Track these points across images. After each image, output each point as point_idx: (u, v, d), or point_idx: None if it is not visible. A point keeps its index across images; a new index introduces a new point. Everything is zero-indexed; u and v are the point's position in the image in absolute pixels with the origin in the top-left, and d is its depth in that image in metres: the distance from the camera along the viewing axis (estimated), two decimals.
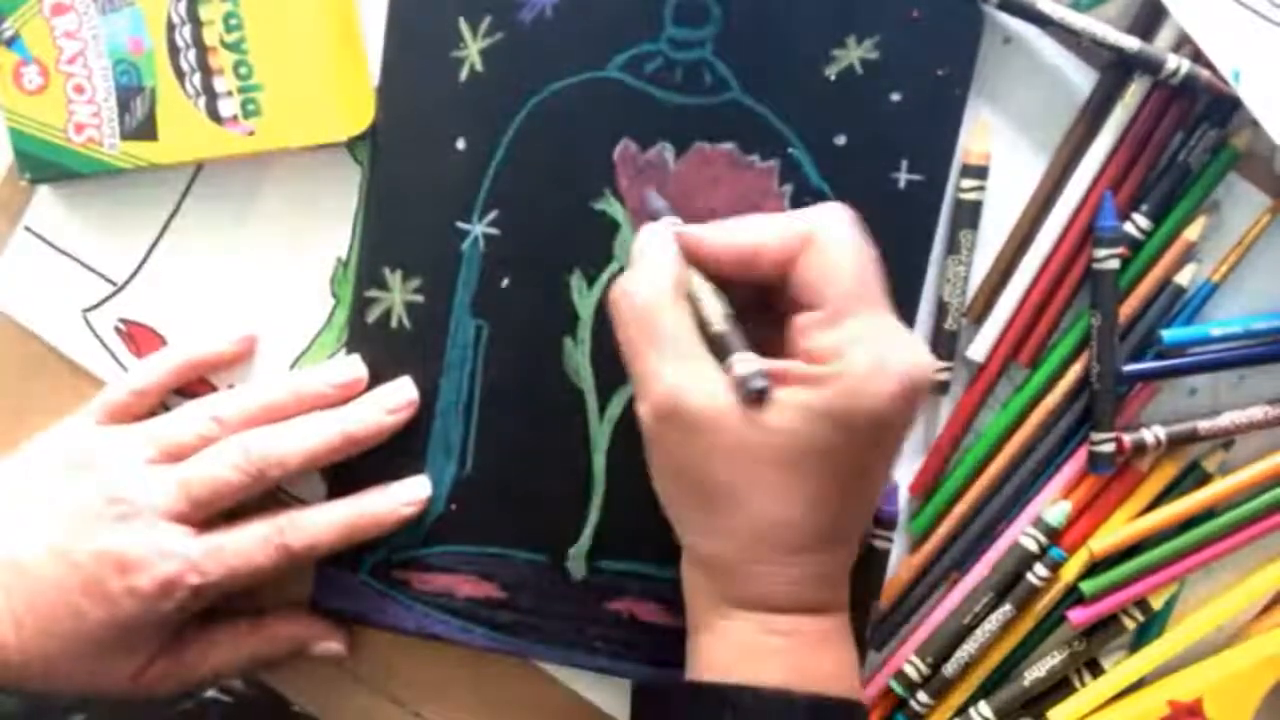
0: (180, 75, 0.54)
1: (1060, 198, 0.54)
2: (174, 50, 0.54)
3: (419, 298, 0.55)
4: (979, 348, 0.55)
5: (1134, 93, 0.53)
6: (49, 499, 0.52)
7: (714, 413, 0.46)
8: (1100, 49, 0.53)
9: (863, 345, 0.45)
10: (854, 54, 0.53)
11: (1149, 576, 0.56)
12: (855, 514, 0.49)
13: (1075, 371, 0.55)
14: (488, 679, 0.59)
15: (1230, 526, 0.56)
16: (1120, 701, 0.57)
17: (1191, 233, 0.54)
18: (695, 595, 0.50)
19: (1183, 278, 0.55)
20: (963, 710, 0.58)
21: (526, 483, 0.56)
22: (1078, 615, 0.56)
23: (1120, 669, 0.57)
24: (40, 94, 0.54)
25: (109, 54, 0.54)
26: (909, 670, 0.57)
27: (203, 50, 0.54)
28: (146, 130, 0.54)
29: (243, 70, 0.54)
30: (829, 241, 0.47)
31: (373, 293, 0.55)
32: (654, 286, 0.48)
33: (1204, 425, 0.55)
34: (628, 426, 0.54)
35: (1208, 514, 0.56)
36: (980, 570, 0.57)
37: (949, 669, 0.57)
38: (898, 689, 0.57)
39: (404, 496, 0.55)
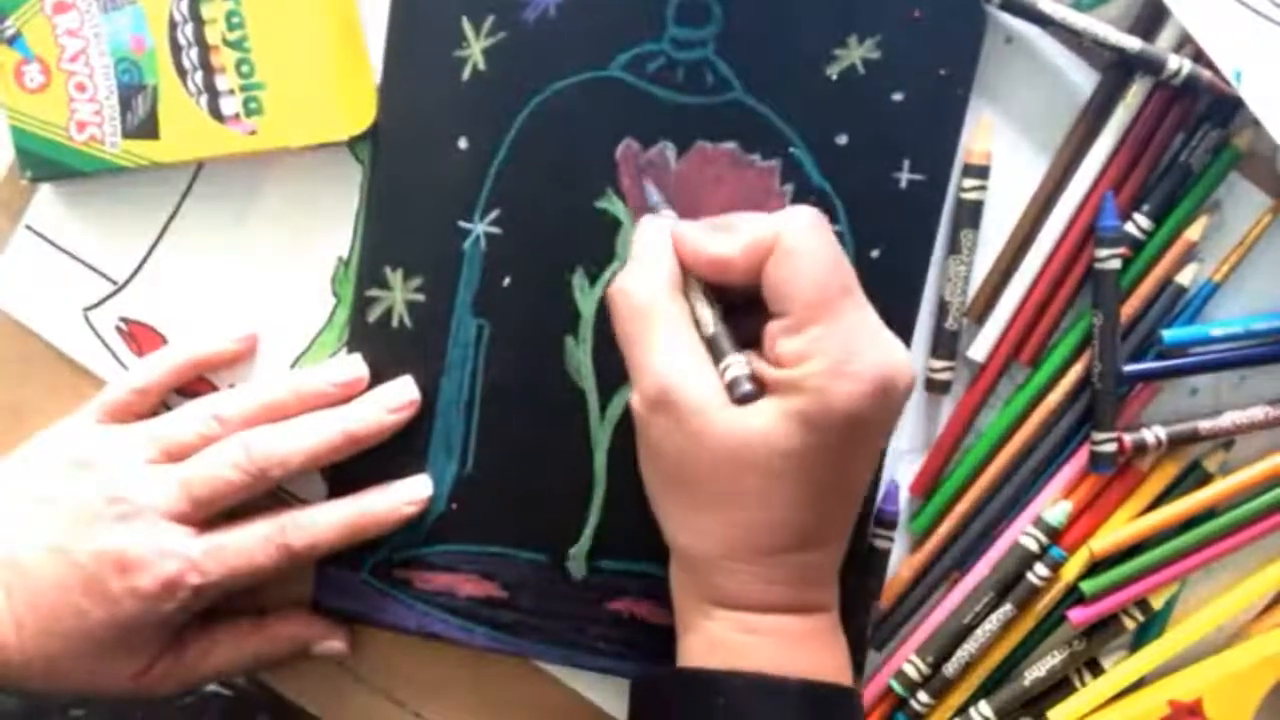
0: (182, 74, 0.54)
1: (1062, 198, 0.54)
2: (176, 48, 0.54)
3: (420, 297, 0.55)
4: (980, 347, 0.55)
5: (1135, 93, 0.53)
6: (50, 498, 0.52)
7: (701, 406, 0.46)
8: (1102, 49, 0.53)
9: (825, 350, 0.46)
10: (856, 54, 0.53)
11: (1149, 576, 0.56)
12: (836, 515, 0.49)
13: (1076, 371, 0.55)
14: (488, 679, 0.59)
15: (1231, 526, 0.56)
16: (1120, 701, 0.58)
17: (1193, 233, 0.55)
18: (681, 596, 0.50)
19: (1184, 278, 0.55)
20: (963, 710, 0.58)
21: (528, 482, 0.56)
22: (1078, 615, 0.56)
23: (1120, 669, 0.57)
24: (42, 92, 0.54)
25: (111, 52, 0.54)
26: (909, 670, 0.57)
27: (205, 49, 0.54)
28: (148, 129, 0.54)
29: (244, 69, 0.54)
30: (791, 249, 0.47)
31: (374, 292, 0.55)
32: (651, 283, 0.49)
33: (1205, 425, 0.55)
34: (629, 426, 0.54)
35: (1208, 514, 0.56)
36: (981, 570, 0.57)
37: (949, 668, 0.57)
38: (898, 688, 0.57)
39: (405, 496, 0.55)
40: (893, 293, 0.54)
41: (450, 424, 0.56)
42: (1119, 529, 0.56)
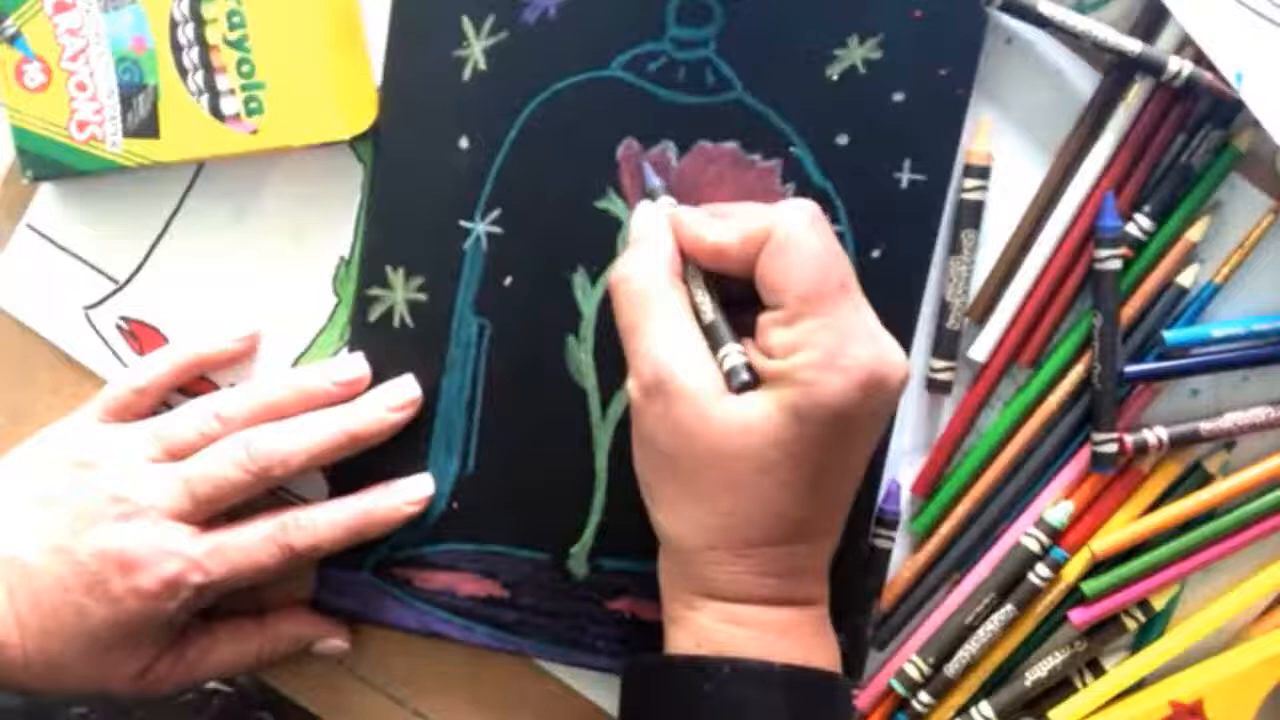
0: (183, 73, 0.54)
1: (1062, 198, 0.54)
2: (176, 48, 0.54)
3: (421, 296, 0.55)
4: (981, 348, 0.55)
5: (1136, 94, 0.53)
6: (51, 498, 0.52)
7: (696, 394, 0.46)
8: (1102, 51, 0.53)
9: (817, 343, 0.46)
10: (856, 54, 0.53)
11: (1150, 577, 0.56)
12: (826, 509, 0.49)
13: (1077, 372, 0.55)
14: (488, 677, 0.59)
15: (1232, 527, 0.56)
16: (1121, 702, 0.57)
17: (1194, 234, 0.54)
18: (669, 587, 0.50)
19: (1185, 279, 0.55)
20: (964, 710, 0.58)
21: (528, 481, 0.56)
22: (1079, 615, 0.56)
23: (1122, 669, 0.57)
24: (42, 92, 0.54)
25: (111, 51, 0.54)
26: (910, 670, 0.57)
27: (205, 48, 0.54)
28: (149, 128, 0.54)
29: (245, 68, 0.54)
30: (786, 242, 0.47)
31: (375, 291, 0.55)
32: (651, 271, 0.49)
33: (1206, 426, 0.55)
34: (630, 426, 0.54)
35: (1210, 515, 0.56)
36: (982, 570, 0.57)
37: (950, 669, 0.57)
38: (899, 689, 0.57)
39: (407, 495, 0.55)
40: (893, 293, 0.54)
41: (451, 423, 0.56)
42: (1120, 530, 0.56)
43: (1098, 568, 0.57)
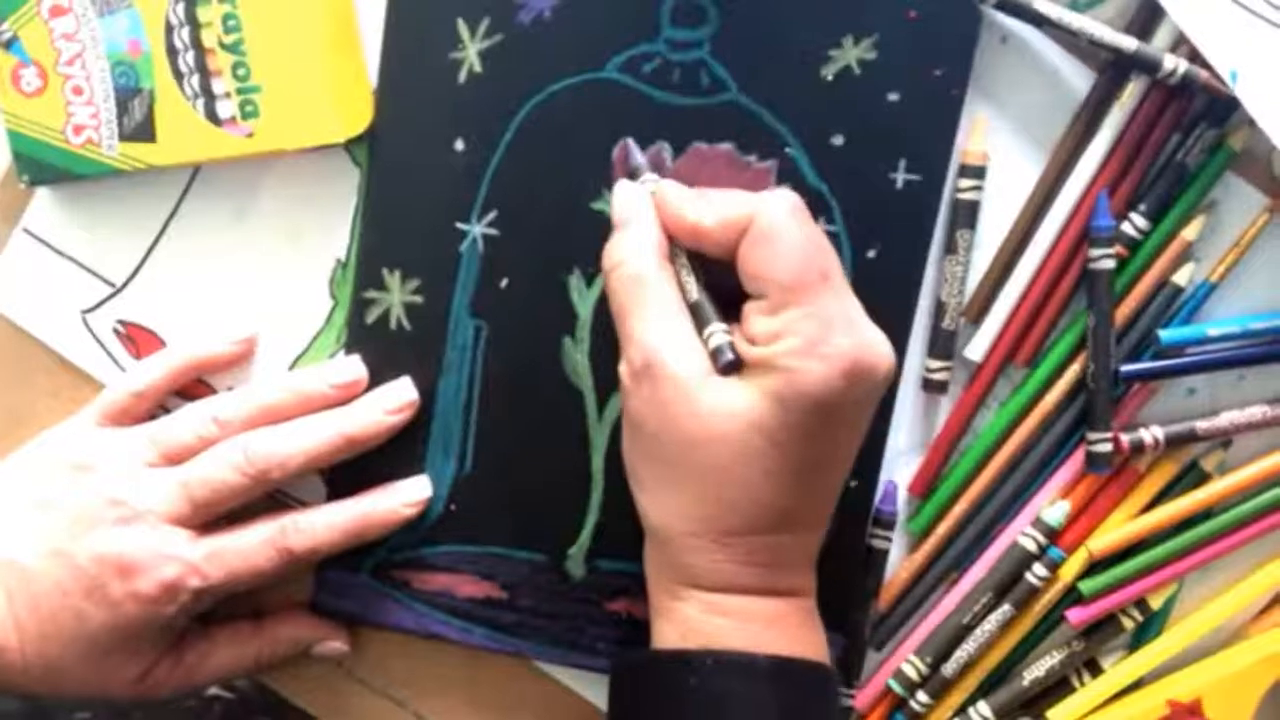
0: (178, 77, 0.54)
1: (1058, 198, 0.54)
2: (172, 52, 0.54)
3: (418, 299, 0.55)
4: (977, 347, 0.55)
5: (1131, 93, 0.53)
6: (49, 502, 0.52)
7: (683, 377, 0.47)
8: (1098, 49, 0.53)
9: (799, 331, 0.46)
10: (851, 54, 0.53)
11: (1148, 576, 0.56)
12: (811, 499, 0.49)
13: (1073, 371, 0.55)
14: (487, 679, 0.59)
15: (1229, 526, 0.56)
16: (1119, 701, 0.57)
17: (1189, 232, 0.54)
18: (654, 578, 0.50)
19: (1180, 277, 0.55)
20: (962, 710, 0.58)
21: (526, 483, 0.56)
22: (1076, 615, 0.56)
23: (1119, 669, 0.57)
24: (39, 96, 0.54)
25: (107, 56, 0.54)
26: (908, 670, 0.57)
27: (201, 52, 0.54)
28: (145, 132, 0.54)
29: (241, 72, 0.54)
30: (767, 232, 0.47)
31: (371, 294, 0.55)
32: (640, 254, 0.49)
33: (1202, 425, 0.55)
34: None
35: (1206, 514, 0.56)
36: (979, 570, 0.57)
37: (948, 669, 0.57)
38: (897, 688, 0.57)
39: (405, 497, 0.55)
40: (889, 293, 0.54)
41: (448, 425, 0.56)
42: (1117, 529, 0.56)
43: (1095, 567, 0.57)
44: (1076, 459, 0.56)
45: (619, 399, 0.55)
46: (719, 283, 0.49)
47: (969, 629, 0.56)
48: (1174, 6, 0.52)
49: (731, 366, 0.47)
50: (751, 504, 0.47)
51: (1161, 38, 0.53)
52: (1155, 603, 0.57)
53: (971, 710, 0.58)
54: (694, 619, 0.48)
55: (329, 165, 0.55)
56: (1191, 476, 0.57)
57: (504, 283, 0.55)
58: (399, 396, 0.55)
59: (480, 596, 0.57)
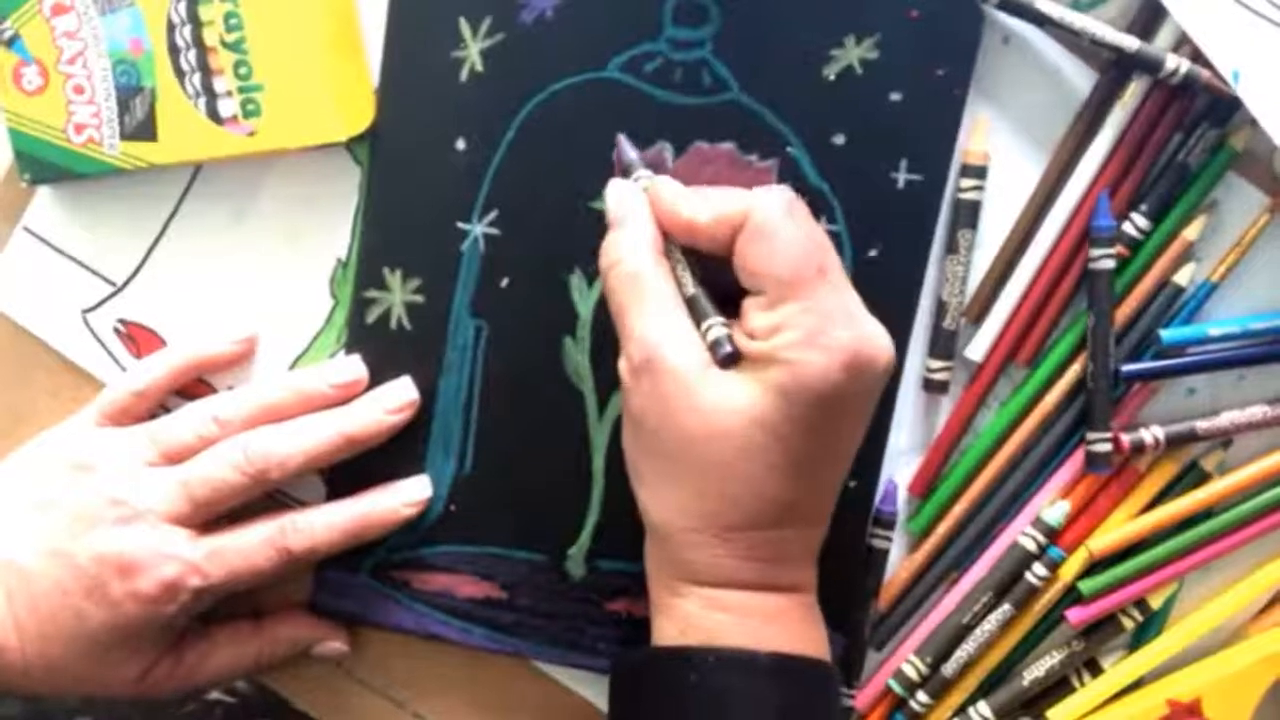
0: (180, 75, 0.54)
1: (1059, 197, 0.54)
2: (174, 50, 0.54)
3: (418, 298, 0.55)
4: (978, 347, 0.55)
5: (1133, 92, 0.53)
6: (50, 501, 0.52)
7: (683, 372, 0.47)
8: (1100, 49, 0.53)
9: (798, 324, 0.46)
10: (853, 54, 0.53)
11: (1148, 576, 0.56)
12: (812, 494, 0.49)
13: (1074, 371, 0.55)
14: (487, 679, 0.59)
15: (1229, 526, 0.56)
16: (1119, 701, 0.58)
17: (1190, 232, 0.54)
18: (654, 575, 0.50)
19: (1181, 277, 0.55)
20: (962, 710, 0.58)
21: (526, 483, 0.56)
22: (1076, 615, 0.56)
23: (1119, 669, 0.57)
24: (40, 94, 0.54)
25: (109, 54, 0.54)
26: (908, 670, 0.57)
27: (203, 50, 0.54)
28: (146, 131, 0.54)
29: (243, 70, 0.54)
30: (762, 228, 0.47)
31: (372, 293, 0.55)
32: (635, 251, 0.49)
33: (1203, 425, 0.55)
34: None
35: (1206, 513, 0.56)
36: (979, 570, 0.57)
37: (948, 669, 0.57)
38: (897, 688, 0.57)
39: (405, 497, 0.55)
40: (890, 293, 0.54)
41: (449, 425, 0.56)
42: (1117, 529, 0.56)
43: (1095, 567, 0.57)
44: (1076, 459, 0.56)
45: (619, 399, 0.55)
46: (717, 280, 0.49)
47: (969, 629, 0.56)
48: (1176, 6, 0.52)
49: (730, 358, 0.47)
50: (753, 499, 0.47)
51: (1163, 37, 0.53)
52: (1155, 603, 0.57)
53: (971, 710, 0.58)
54: (694, 615, 0.48)
55: (330, 164, 0.55)
56: (1191, 476, 0.57)
57: (505, 282, 0.55)
58: (399, 396, 0.55)
59: (480, 596, 0.57)
